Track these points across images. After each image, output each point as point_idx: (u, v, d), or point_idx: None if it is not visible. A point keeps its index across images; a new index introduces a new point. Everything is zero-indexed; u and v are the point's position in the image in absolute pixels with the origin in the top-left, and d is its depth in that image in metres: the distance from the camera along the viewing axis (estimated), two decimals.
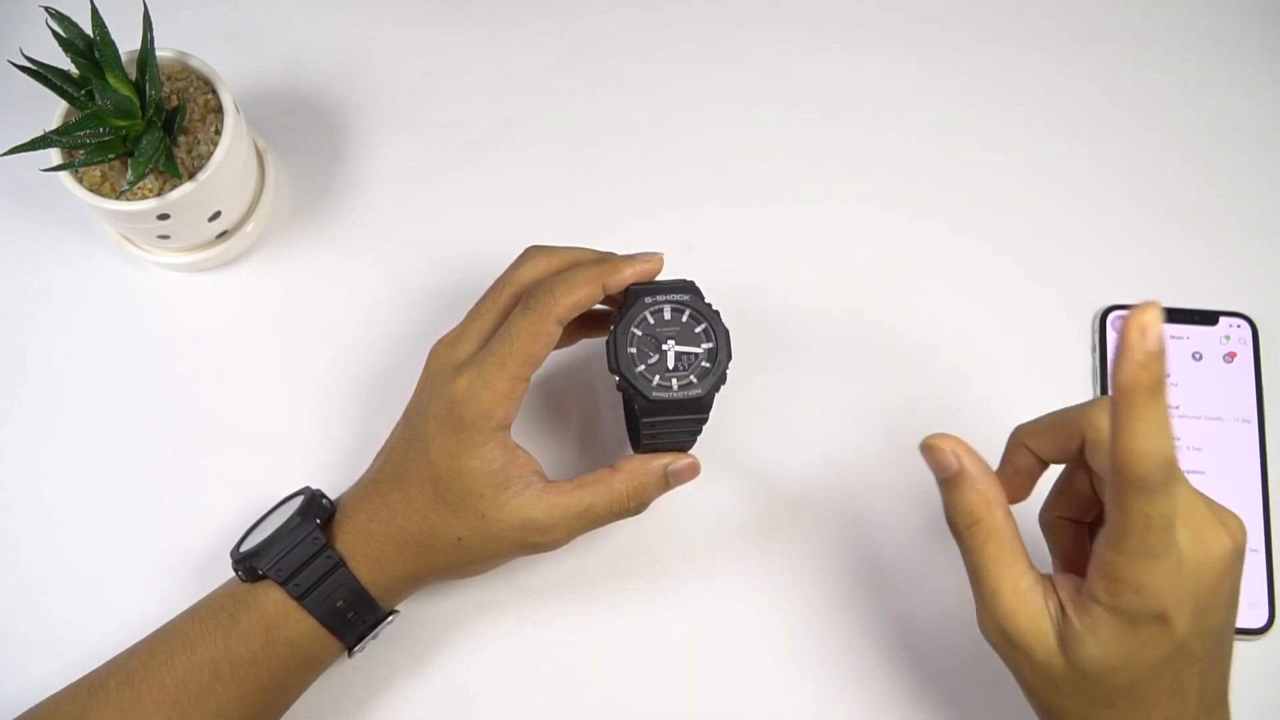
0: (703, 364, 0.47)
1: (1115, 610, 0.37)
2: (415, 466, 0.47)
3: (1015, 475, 0.43)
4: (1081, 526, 0.44)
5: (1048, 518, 0.45)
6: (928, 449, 0.40)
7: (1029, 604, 0.39)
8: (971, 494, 0.40)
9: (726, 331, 0.47)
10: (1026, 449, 0.42)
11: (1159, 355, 0.33)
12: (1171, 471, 0.34)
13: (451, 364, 0.47)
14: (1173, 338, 0.56)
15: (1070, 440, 0.41)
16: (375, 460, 0.50)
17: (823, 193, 0.60)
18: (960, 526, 0.40)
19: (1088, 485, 0.42)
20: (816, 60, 0.62)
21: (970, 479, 0.40)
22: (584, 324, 0.51)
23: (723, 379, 0.47)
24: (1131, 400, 0.34)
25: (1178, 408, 0.55)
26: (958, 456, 0.40)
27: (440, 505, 0.46)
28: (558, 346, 0.51)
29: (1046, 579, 0.40)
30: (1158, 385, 0.34)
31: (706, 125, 0.61)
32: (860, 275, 0.58)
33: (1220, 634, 0.39)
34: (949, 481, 0.40)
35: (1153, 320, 0.33)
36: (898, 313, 0.57)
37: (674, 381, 0.46)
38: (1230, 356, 0.56)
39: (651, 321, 0.47)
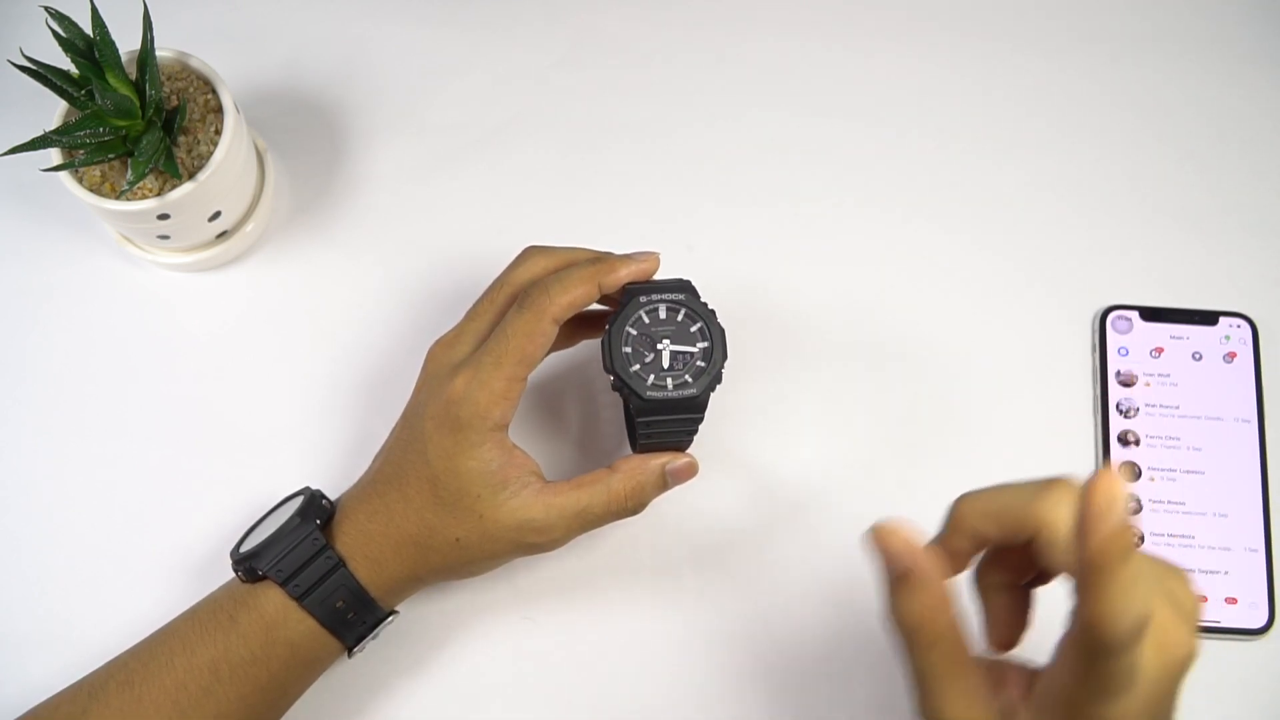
0: (698, 363, 0.46)
1: None
2: (413, 467, 0.47)
3: (953, 555, 0.39)
4: (1018, 590, 0.40)
5: (980, 584, 0.40)
6: (878, 539, 0.36)
7: (975, 710, 0.36)
8: (921, 598, 0.35)
9: (722, 330, 0.47)
10: (967, 531, 0.38)
11: (1127, 524, 0.31)
12: (1143, 630, 0.33)
13: (449, 364, 0.47)
14: (1172, 338, 0.56)
15: (1019, 532, 0.37)
16: (374, 461, 0.50)
17: (822, 193, 0.60)
18: (904, 630, 0.36)
19: (1023, 551, 0.38)
20: (816, 61, 0.62)
21: (921, 583, 0.35)
22: (582, 325, 0.51)
23: (718, 378, 0.47)
24: (1102, 570, 0.32)
25: (1177, 408, 0.55)
26: (910, 555, 0.36)
27: (438, 506, 0.46)
28: (556, 348, 0.51)
29: (993, 669, 0.37)
30: (1128, 549, 0.32)
31: (706, 125, 0.61)
32: (860, 275, 0.58)
33: None
34: (897, 581, 0.36)
35: (1116, 490, 0.31)
36: (897, 313, 0.57)
37: (669, 381, 0.46)
38: (1230, 356, 0.56)
39: (647, 321, 0.47)
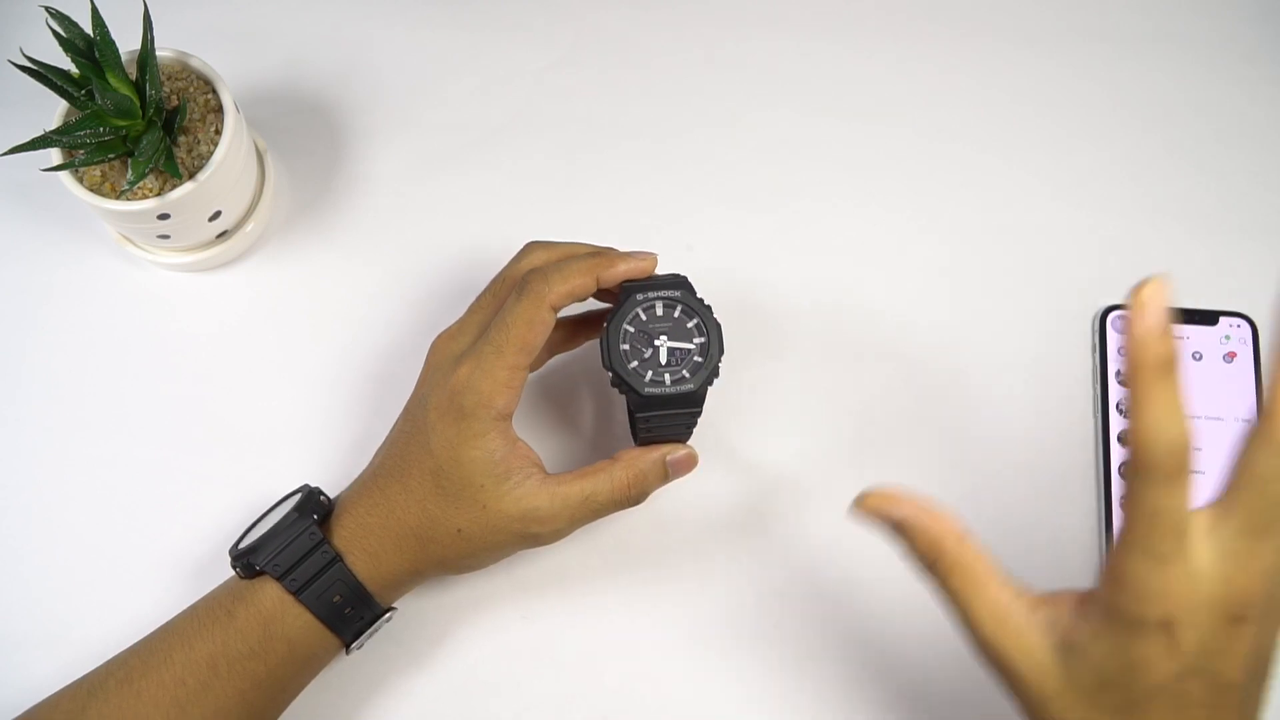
0: (695, 359, 0.47)
1: (1114, 613, 0.35)
2: (416, 458, 0.47)
3: None
4: None
5: None
6: (860, 509, 0.39)
7: (1010, 622, 0.37)
8: (919, 537, 0.38)
9: (718, 326, 0.47)
10: None
11: (1162, 332, 0.33)
12: (1182, 462, 0.33)
13: (452, 356, 0.48)
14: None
15: None
16: (375, 456, 0.50)
17: (822, 192, 0.60)
18: (924, 570, 0.39)
19: None
20: (816, 60, 0.62)
21: (912, 524, 0.38)
22: (582, 325, 0.52)
23: (715, 373, 0.47)
24: (1138, 379, 0.33)
25: None
26: (892, 506, 0.39)
27: (441, 496, 0.46)
28: (559, 350, 0.52)
29: (1039, 595, 0.38)
30: (1164, 364, 0.33)
31: (706, 125, 0.61)
32: (859, 275, 0.58)
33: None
34: (894, 533, 0.39)
35: (1152, 295, 0.33)
36: (898, 312, 0.58)
37: (666, 376, 0.46)
38: (1230, 356, 0.56)
39: (644, 318, 0.47)
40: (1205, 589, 0.34)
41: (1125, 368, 0.33)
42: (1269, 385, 0.34)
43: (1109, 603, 0.35)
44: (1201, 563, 0.34)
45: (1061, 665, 0.36)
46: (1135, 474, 0.34)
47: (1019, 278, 0.58)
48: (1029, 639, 0.37)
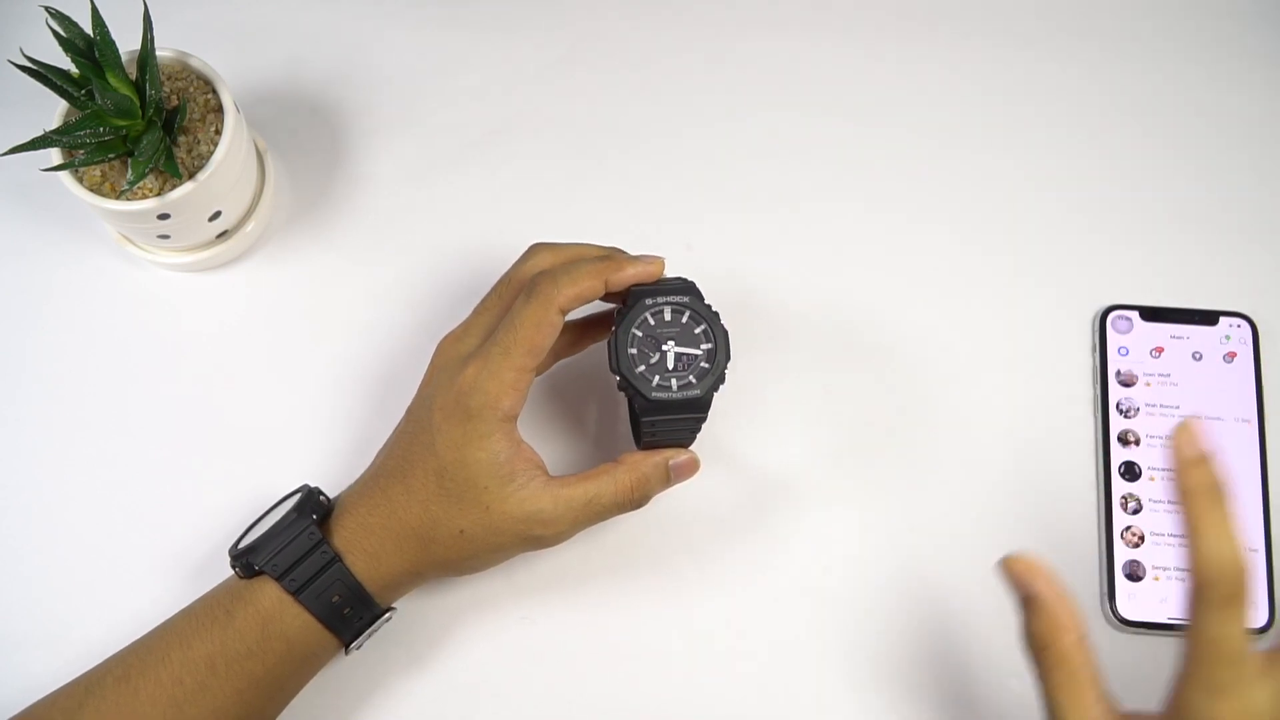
0: (702, 365, 0.47)
1: None
2: (419, 458, 0.47)
3: None
4: None
5: None
6: (1004, 569, 0.40)
7: None
8: (1043, 619, 0.39)
9: (726, 333, 0.47)
10: None
11: (1205, 458, 0.35)
12: (1240, 587, 0.34)
13: (458, 357, 0.48)
14: (1172, 338, 0.56)
15: None
16: (377, 457, 0.50)
17: (822, 193, 0.60)
18: (1032, 650, 0.40)
19: None
20: (816, 61, 0.62)
21: (1042, 603, 0.39)
22: (589, 329, 0.52)
23: (721, 379, 0.47)
24: (1191, 506, 0.35)
25: (1178, 407, 0.55)
26: (1033, 579, 0.40)
27: (444, 497, 0.46)
28: (565, 354, 0.52)
29: (1124, 714, 0.39)
30: (1212, 489, 0.35)
31: (707, 125, 0.61)
32: (860, 275, 0.58)
33: None
34: (1024, 604, 0.40)
35: (1187, 432, 0.35)
36: (898, 313, 0.57)
37: (673, 382, 0.47)
38: (1230, 356, 0.56)
39: (652, 323, 0.47)
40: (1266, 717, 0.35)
41: (1177, 497, 0.35)
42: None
43: None
44: (1257, 700, 0.35)
45: None
46: (1195, 600, 0.35)
47: (1019, 278, 0.58)
48: None
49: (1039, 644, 0.39)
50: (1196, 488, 0.35)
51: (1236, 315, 0.56)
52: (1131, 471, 0.54)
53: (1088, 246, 0.59)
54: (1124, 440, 0.55)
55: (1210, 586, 0.34)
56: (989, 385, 0.56)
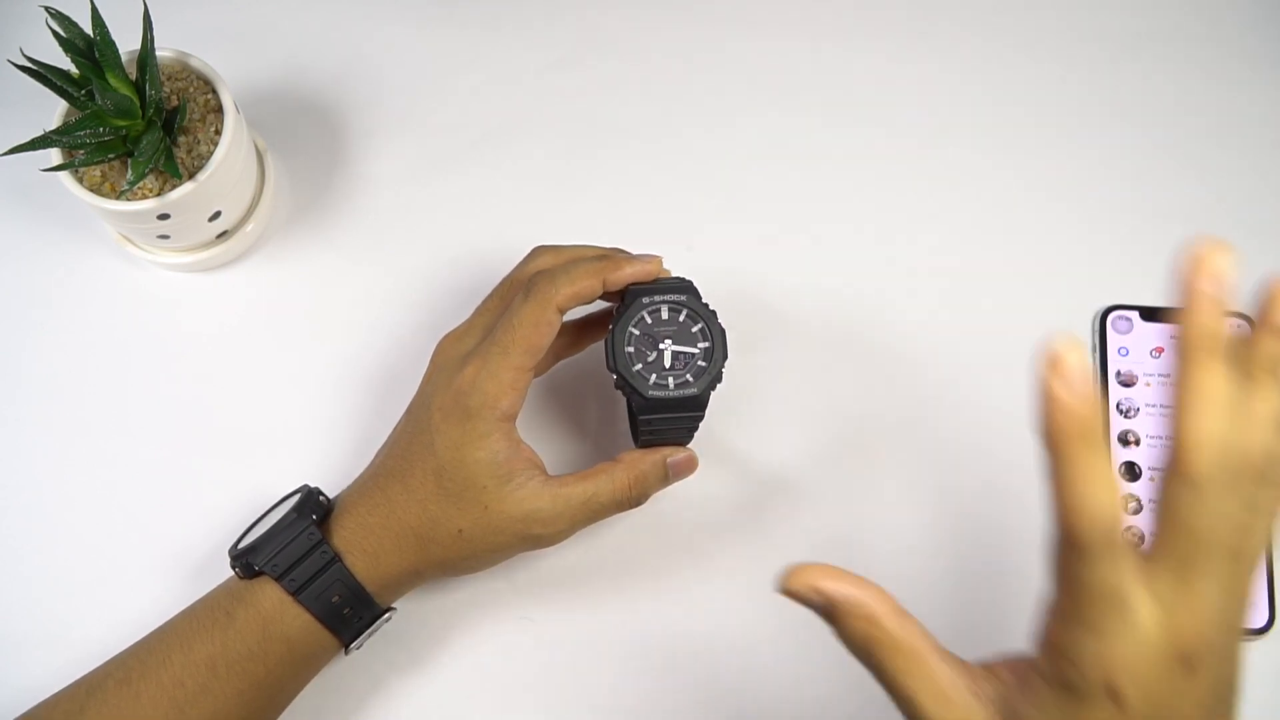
0: (699, 363, 0.47)
1: (1056, 684, 0.33)
2: (419, 458, 0.47)
3: None
4: None
5: None
6: (785, 589, 0.36)
7: (955, 703, 0.34)
8: (851, 621, 0.35)
9: (723, 331, 0.47)
10: None
11: (1085, 397, 0.30)
12: (1113, 535, 0.31)
13: (457, 356, 0.48)
14: (1172, 338, 0.56)
15: None
16: (376, 457, 0.50)
17: (822, 193, 0.60)
18: (858, 652, 0.36)
19: None
20: (816, 61, 0.62)
21: (841, 606, 0.35)
22: (588, 329, 0.52)
23: (718, 378, 0.47)
24: (1059, 451, 0.31)
25: None
26: (818, 589, 0.35)
27: (442, 496, 0.46)
28: (564, 355, 0.52)
29: (978, 667, 0.35)
30: (1087, 434, 0.30)
31: (707, 126, 0.61)
32: (860, 275, 0.58)
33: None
34: (826, 612, 0.36)
35: (1070, 359, 0.30)
36: (898, 313, 0.57)
37: (670, 380, 0.47)
38: None
39: (649, 321, 0.47)
40: (1150, 644, 0.32)
41: (1043, 435, 0.31)
42: (1174, 417, 0.32)
43: (1049, 674, 0.33)
44: (1142, 617, 0.32)
45: None
46: (1063, 549, 0.31)
47: (1019, 278, 0.58)
48: (975, 719, 0.34)
49: (865, 641, 0.35)
50: (1076, 430, 0.30)
51: (1236, 315, 0.56)
52: (1132, 471, 0.54)
53: (1088, 246, 0.59)
54: (1124, 440, 0.55)
55: (1085, 539, 0.30)
56: (989, 385, 0.56)
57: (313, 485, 0.49)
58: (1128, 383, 0.56)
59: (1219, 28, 0.63)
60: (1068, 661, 0.32)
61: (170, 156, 0.51)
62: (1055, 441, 0.31)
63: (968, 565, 0.53)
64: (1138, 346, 0.56)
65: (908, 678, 0.35)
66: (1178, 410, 0.32)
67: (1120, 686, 0.32)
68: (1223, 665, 0.33)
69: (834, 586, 0.35)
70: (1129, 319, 0.57)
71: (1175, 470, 0.32)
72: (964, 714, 0.34)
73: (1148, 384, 0.56)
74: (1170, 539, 0.32)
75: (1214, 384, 0.32)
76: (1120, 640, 0.32)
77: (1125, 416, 0.55)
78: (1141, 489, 0.54)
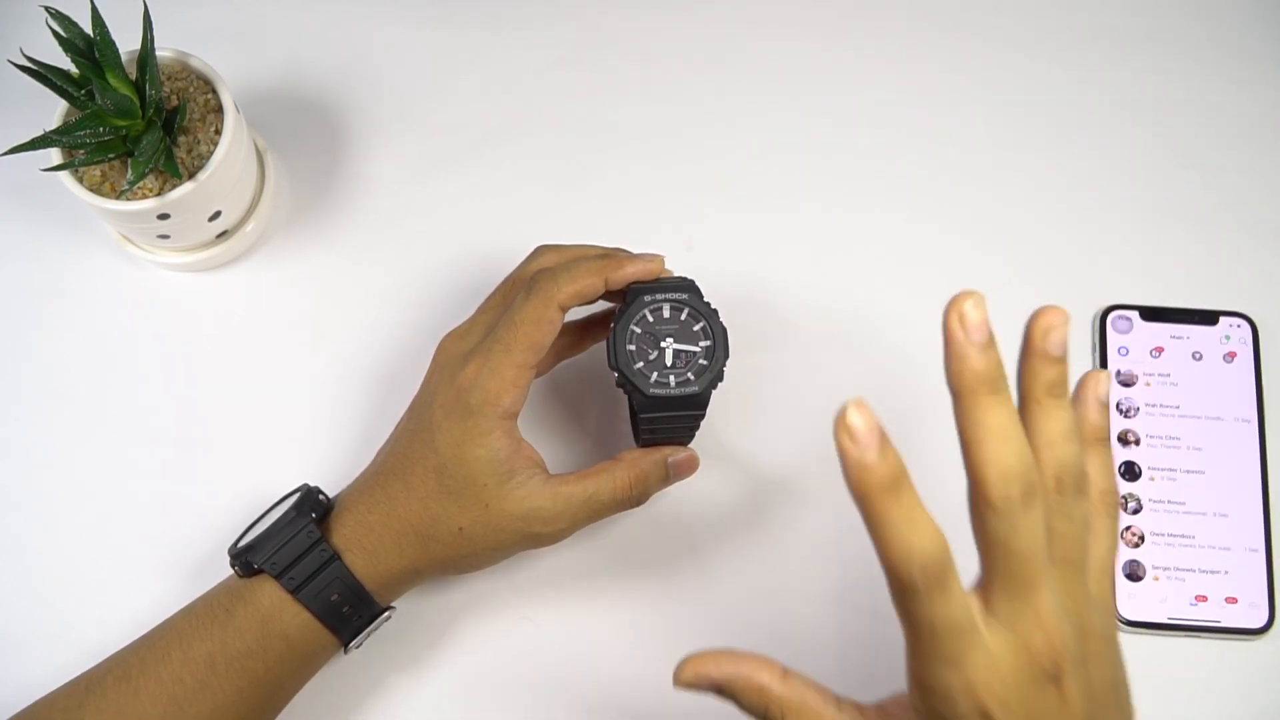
0: (700, 362, 0.47)
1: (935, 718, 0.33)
2: (420, 456, 0.47)
3: None
4: None
5: None
6: (680, 684, 0.37)
7: None
8: (744, 691, 0.36)
9: (724, 329, 0.47)
10: None
11: (880, 449, 0.31)
12: (941, 571, 0.31)
13: (459, 354, 0.48)
14: (1172, 337, 0.56)
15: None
16: (377, 455, 0.50)
17: (823, 193, 0.60)
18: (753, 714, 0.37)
19: None
20: (816, 60, 0.62)
21: (732, 680, 0.36)
22: (591, 328, 0.52)
23: (719, 376, 0.47)
24: (867, 505, 0.31)
25: (1178, 407, 0.55)
26: (705, 676, 0.37)
27: (443, 494, 0.46)
28: (566, 355, 0.52)
29: (873, 709, 0.37)
30: (889, 483, 0.31)
31: (707, 125, 0.61)
32: (860, 275, 0.58)
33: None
34: (720, 696, 0.37)
35: (850, 415, 0.31)
36: (898, 313, 0.57)
37: (671, 378, 0.47)
38: (1230, 356, 0.56)
39: (651, 319, 0.47)
40: (1008, 666, 0.32)
41: (851, 494, 0.31)
42: (965, 446, 0.33)
43: (925, 711, 0.34)
44: (994, 643, 0.32)
45: None
46: (898, 595, 0.32)
47: (1019, 278, 0.58)
48: None
49: (759, 713, 0.37)
50: (876, 484, 0.31)
51: (1236, 315, 0.56)
52: (1131, 471, 0.54)
53: (1088, 246, 0.59)
54: (1124, 440, 0.55)
55: (914, 582, 0.31)
56: None
57: (312, 484, 0.49)
58: (1128, 383, 0.56)
59: (1219, 28, 0.63)
60: (938, 698, 0.33)
61: (170, 156, 0.51)
62: (862, 499, 0.31)
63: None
64: (1138, 346, 0.56)
65: None
66: (967, 446, 0.33)
67: (989, 712, 0.32)
68: (1094, 669, 0.34)
69: (718, 669, 0.36)
70: (1129, 319, 0.57)
71: (979, 501, 0.33)
72: None
73: (1148, 384, 0.56)
74: (995, 563, 0.33)
75: (994, 417, 0.33)
76: (979, 668, 0.32)
77: (1125, 416, 0.55)
78: (1141, 489, 0.54)
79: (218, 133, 0.52)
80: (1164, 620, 0.52)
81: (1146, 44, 0.62)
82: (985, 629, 0.33)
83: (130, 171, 0.49)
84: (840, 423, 0.31)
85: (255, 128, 0.59)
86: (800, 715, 0.36)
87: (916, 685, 0.34)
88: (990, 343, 0.33)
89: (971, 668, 0.32)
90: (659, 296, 0.47)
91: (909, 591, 0.32)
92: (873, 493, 0.31)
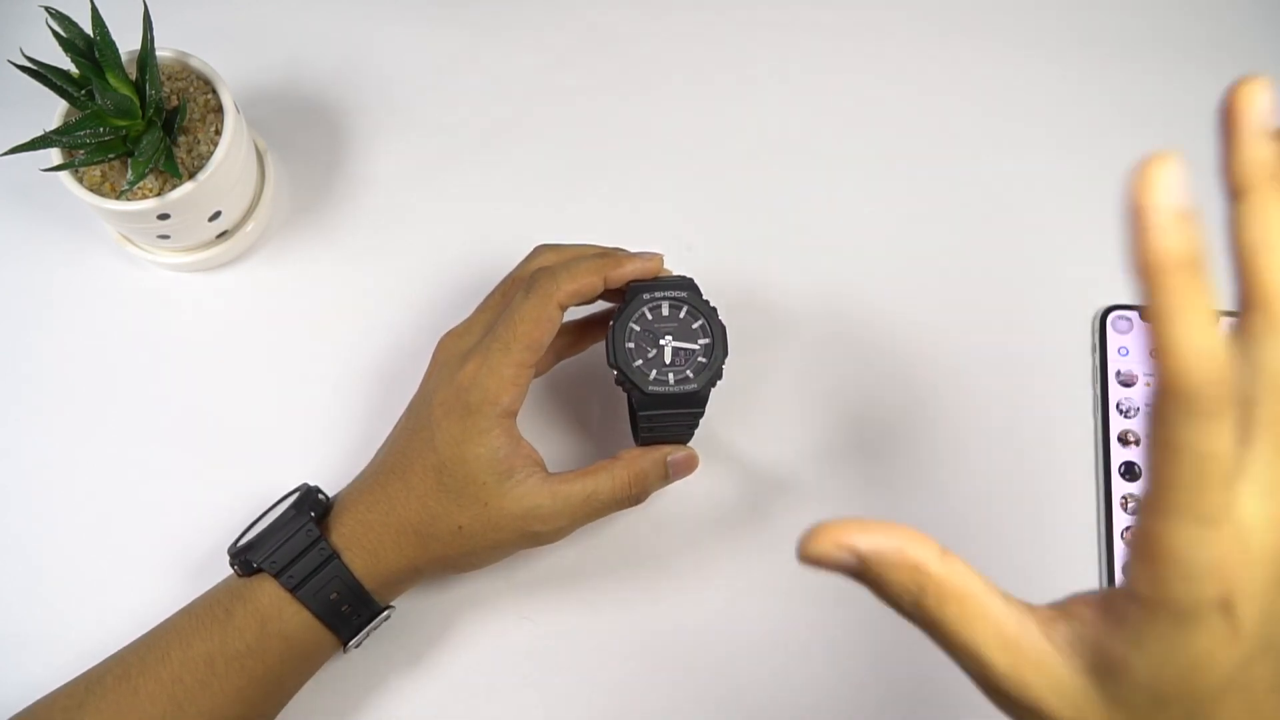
0: (699, 359, 0.47)
1: (1160, 607, 0.26)
2: (419, 454, 0.47)
3: None
4: None
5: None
6: (811, 552, 0.29)
7: (1027, 650, 0.28)
8: (896, 569, 0.29)
9: (723, 328, 0.47)
10: None
11: (1181, 220, 0.25)
12: (1225, 390, 0.25)
13: (459, 353, 0.48)
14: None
15: None
16: (376, 455, 0.50)
17: (822, 193, 0.60)
18: (906, 609, 0.30)
19: None
20: (816, 61, 0.62)
21: (877, 560, 0.29)
22: (590, 327, 0.52)
23: (718, 374, 0.47)
24: (1159, 285, 0.25)
25: None
26: (847, 546, 0.29)
27: (442, 493, 0.46)
28: (565, 355, 0.52)
29: (1048, 609, 0.30)
30: (1188, 263, 0.25)
31: (707, 125, 0.61)
32: (860, 275, 0.58)
33: None
34: (861, 571, 0.29)
35: (1161, 172, 0.25)
36: (898, 313, 0.58)
37: (670, 376, 0.47)
38: None
39: (650, 317, 0.47)
40: (1257, 544, 0.26)
41: (1137, 272, 0.25)
42: (1251, 268, 0.27)
43: (1149, 595, 0.27)
44: (1246, 512, 0.25)
45: (1101, 691, 0.28)
46: (1170, 413, 0.25)
47: (1019, 277, 0.58)
48: (1054, 668, 0.28)
49: (911, 595, 0.29)
50: (1175, 260, 0.25)
51: (1236, 315, 0.56)
52: (1132, 471, 0.54)
53: (1088, 246, 0.59)
54: (1124, 440, 0.55)
55: (1195, 392, 0.24)
56: (989, 385, 0.56)
57: (312, 484, 0.49)
58: (1128, 383, 0.56)
59: (1219, 29, 0.63)
60: (1177, 571, 0.26)
61: (170, 156, 0.51)
62: (1153, 275, 0.25)
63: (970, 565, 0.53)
64: (1138, 346, 0.56)
65: (967, 627, 0.29)
66: (1245, 257, 0.27)
67: (1234, 598, 0.26)
68: None
69: (865, 539, 0.29)
70: (1129, 319, 0.57)
71: (1268, 323, 0.27)
72: (1037, 661, 0.28)
73: (1148, 384, 0.56)
74: (1267, 408, 0.26)
75: None
76: (1231, 540, 0.26)
77: (1125, 416, 0.55)
78: (1141, 488, 0.54)
79: (218, 133, 0.52)
80: None
81: (1146, 45, 0.62)
82: (1242, 484, 0.26)
83: (130, 171, 0.49)
84: (1144, 173, 0.25)
85: (255, 128, 0.59)
86: (962, 604, 0.29)
87: (1150, 557, 0.27)
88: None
89: (1224, 535, 0.26)
90: (658, 294, 0.47)
91: (1186, 405, 0.25)
92: (1169, 269, 0.25)
